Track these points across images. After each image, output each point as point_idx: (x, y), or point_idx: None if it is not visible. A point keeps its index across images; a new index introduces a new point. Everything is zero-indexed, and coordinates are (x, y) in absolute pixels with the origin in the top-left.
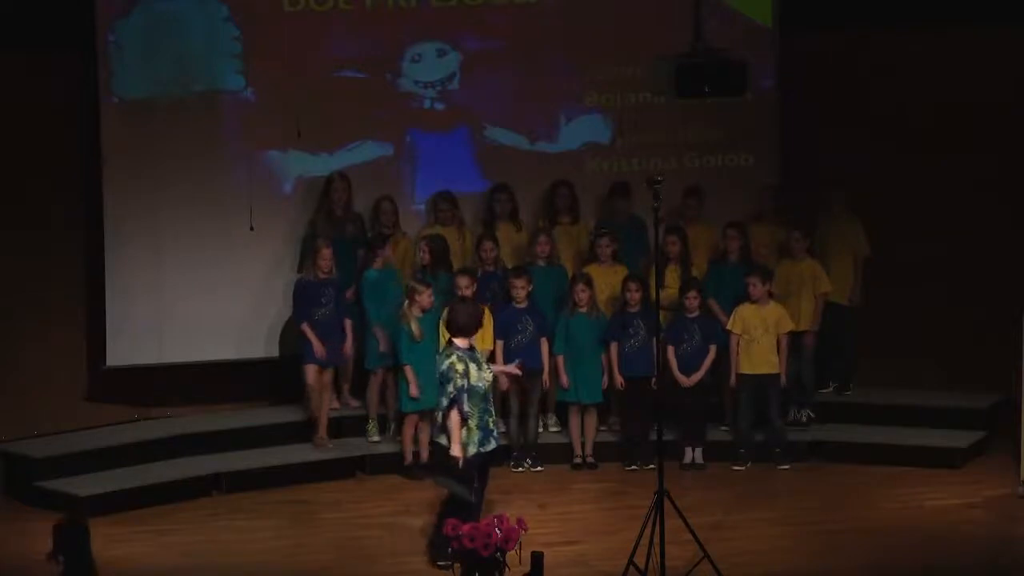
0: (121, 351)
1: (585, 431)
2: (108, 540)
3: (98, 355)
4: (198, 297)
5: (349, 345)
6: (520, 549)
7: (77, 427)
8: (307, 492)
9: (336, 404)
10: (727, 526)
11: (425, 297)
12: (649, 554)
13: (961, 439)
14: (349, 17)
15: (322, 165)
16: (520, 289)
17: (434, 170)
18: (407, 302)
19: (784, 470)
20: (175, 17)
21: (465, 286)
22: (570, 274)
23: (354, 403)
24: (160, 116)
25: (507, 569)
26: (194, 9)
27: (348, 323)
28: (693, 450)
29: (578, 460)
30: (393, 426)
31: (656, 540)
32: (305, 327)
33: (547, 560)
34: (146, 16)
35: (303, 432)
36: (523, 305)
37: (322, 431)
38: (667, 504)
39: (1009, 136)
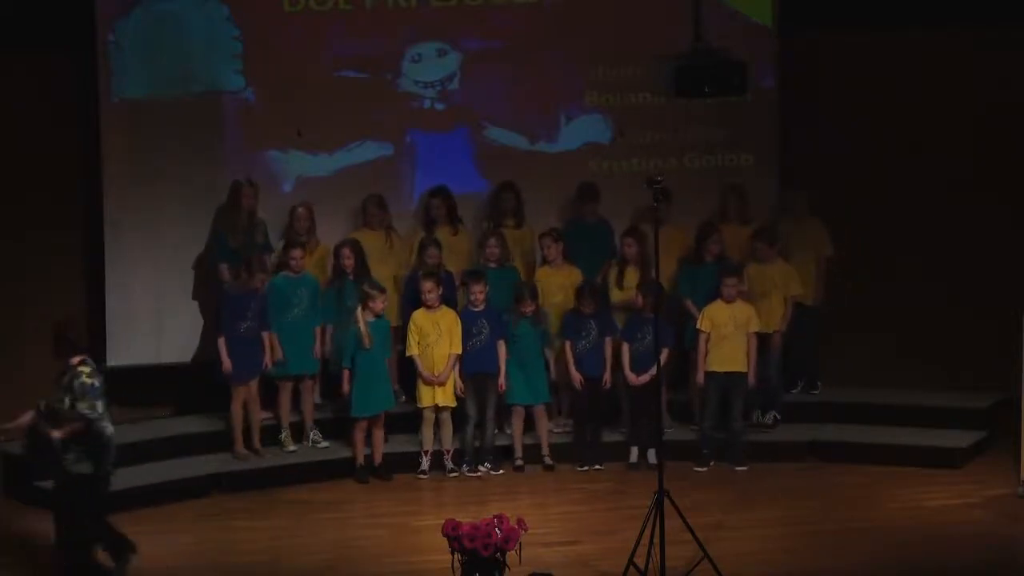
0: (121, 351)
1: (539, 432)
2: None
3: (98, 355)
4: (198, 297)
5: (269, 357)
6: (520, 549)
7: None
8: (307, 492)
9: (267, 414)
10: (727, 526)
11: (379, 303)
12: (649, 554)
13: (961, 439)
14: (349, 17)
15: (322, 165)
16: (478, 293)
17: (434, 170)
18: (360, 307)
19: (743, 470)
20: (175, 17)
21: (428, 290)
22: (522, 277)
23: (265, 414)
24: (160, 116)
25: (507, 569)
26: (194, 9)
27: (267, 335)
28: (642, 450)
29: (519, 462)
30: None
31: (656, 540)
32: (221, 343)
33: (547, 560)
34: (146, 16)
35: (302, 433)
36: (480, 309)
37: (240, 444)
38: (667, 504)
39: (1010, 136)
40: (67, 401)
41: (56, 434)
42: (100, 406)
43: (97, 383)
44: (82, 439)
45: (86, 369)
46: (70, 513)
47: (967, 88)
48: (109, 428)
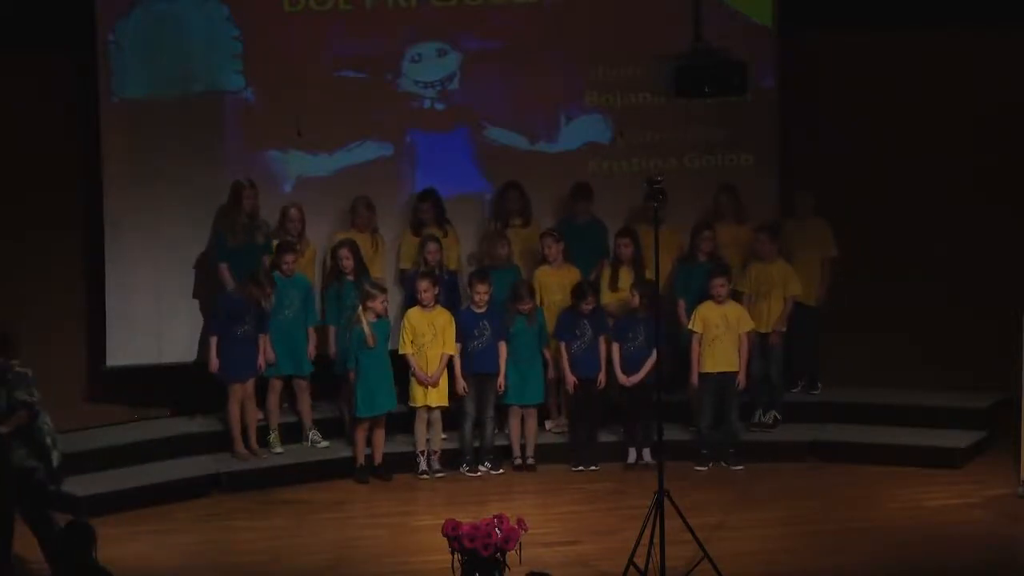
0: (121, 351)
1: (526, 433)
2: (108, 540)
3: (98, 355)
4: (198, 297)
5: (263, 359)
6: (520, 549)
7: (77, 427)
8: (307, 492)
9: (263, 415)
10: (727, 526)
11: (379, 303)
12: (649, 554)
13: (961, 439)
14: (349, 17)
15: (322, 165)
16: (482, 294)
17: (434, 170)
18: (361, 307)
19: (740, 470)
20: (175, 17)
21: (424, 289)
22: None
23: (261, 414)
24: (160, 116)
25: (507, 569)
26: (194, 9)
27: (263, 338)
28: (639, 450)
29: (518, 462)
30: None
31: (656, 540)
32: (213, 341)
33: (547, 560)
34: (146, 16)
35: (300, 433)
36: (482, 310)
37: (240, 444)
38: (667, 504)
39: (1010, 136)
40: (4, 395)
41: (2, 429)
42: (37, 394)
43: (30, 372)
44: (26, 432)
45: (15, 362)
46: (32, 512)
47: (967, 88)
48: (48, 419)
